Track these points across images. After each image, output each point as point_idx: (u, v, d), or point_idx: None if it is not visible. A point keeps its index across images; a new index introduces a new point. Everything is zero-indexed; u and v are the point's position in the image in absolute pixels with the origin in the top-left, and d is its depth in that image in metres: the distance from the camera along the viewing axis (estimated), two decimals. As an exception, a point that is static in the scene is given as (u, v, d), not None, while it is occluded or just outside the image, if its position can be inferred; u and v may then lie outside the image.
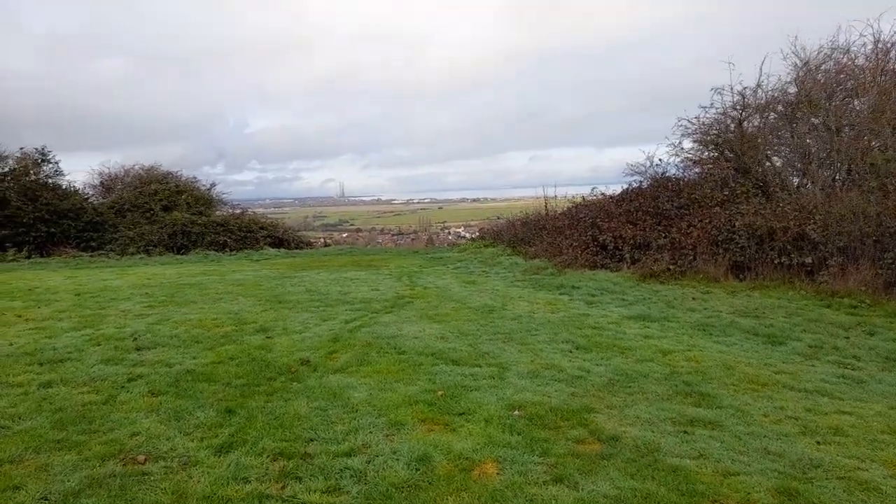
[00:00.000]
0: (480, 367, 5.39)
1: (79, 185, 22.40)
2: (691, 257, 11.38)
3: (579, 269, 12.47)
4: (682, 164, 14.93)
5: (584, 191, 18.93)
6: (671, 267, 11.29)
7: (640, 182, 15.01)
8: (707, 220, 11.86)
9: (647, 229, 12.85)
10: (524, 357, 5.74)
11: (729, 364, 5.56)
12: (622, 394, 4.69)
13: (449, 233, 61.14)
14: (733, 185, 12.79)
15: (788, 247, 10.43)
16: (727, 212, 11.77)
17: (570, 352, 5.98)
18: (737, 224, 11.08)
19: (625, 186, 15.61)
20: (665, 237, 12.12)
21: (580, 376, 5.10)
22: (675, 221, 12.59)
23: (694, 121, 15.28)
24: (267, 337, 6.60)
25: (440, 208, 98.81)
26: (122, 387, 4.76)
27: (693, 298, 9.47)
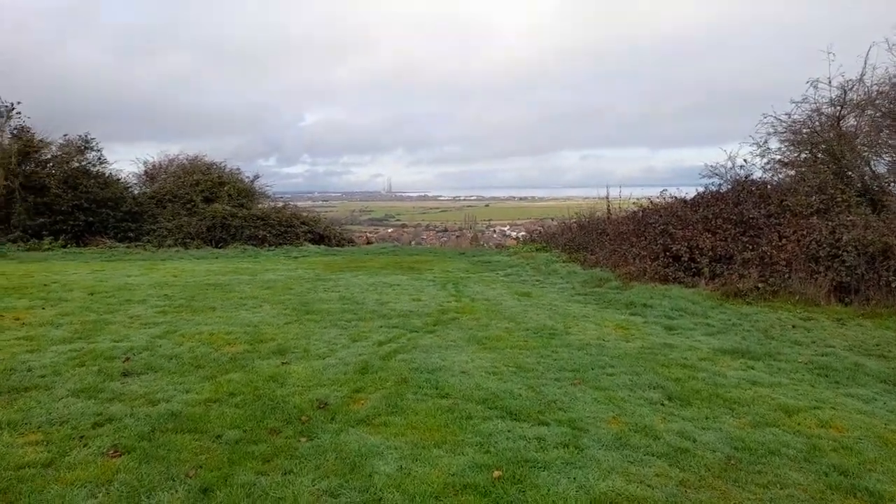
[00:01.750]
0: (548, 424, 4.08)
1: (124, 175, 22.03)
2: (785, 275, 9.75)
3: (648, 283, 10.98)
4: (768, 167, 13.22)
5: (638, 192, 17.31)
6: (760, 285, 9.70)
7: (719, 185, 13.36)
8: (804, 233, 10.19)
9: (729, 240, 11.26)
10: (603, 410, 4.40)
11: (883, 436, 4.10)
12: (752, 486, 3.32)
13: (494, 231, 59.95)
14: (832, 191, 11.05)
15: (908, 267, 8.73)
16: (828, 223, 10.08)
17: (662, 404, 4.61)
18: (844, 238, 9.40)
19: (700, 189, 13.99)
20: (752, 250, 10.51)
21: (685, 449, 3.73)
22: (763, 232, 10.95)
23: (783, 117, 13.56)
24: (283, 362, 5.45)
25: (486, 206, 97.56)
26: (82, 437, 3.66)
27: (793, 327, 7.90)
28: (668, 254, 11.70)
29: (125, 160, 43.48)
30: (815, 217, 10.77)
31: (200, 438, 3.69)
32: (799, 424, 4.24)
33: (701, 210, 12.52)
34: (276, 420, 4.03)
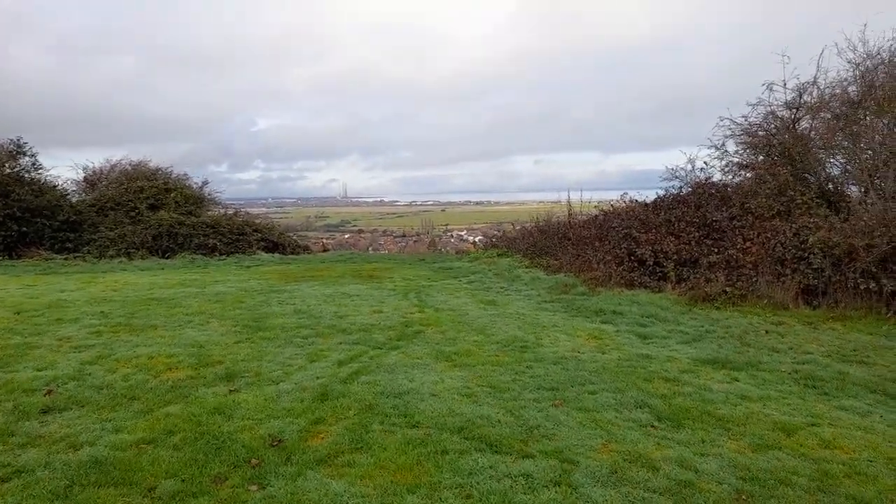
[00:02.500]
0: (533, 456, 3.65)
1: (62, 182, 20.70)
2: (752, 278, 9.62)
3: (614, 288, 10.73)
4: (727, 169, 13.20)
5: (595, 196, 17.18)
6: (728, 289, 9.54)
7: (680, 188, 13.27)
8: (768, 235, 10.11)
9: (693, 243, 11.12)
10: (590, 436, 4.00)
11: (893, 457, 3.81)
12: (769, 524, 2.95)
13: (452, 236, 59.75)
14: (793, 193, 11.03)
15: (874, 269, 8.69)
16: (791, 225, 10.02)
17: (653, 426, 4.24)
18: (809, 240, 9.32)
19: (660, 193, 13.90)
20: (717, 253, 10.38)
21: (688, 482, 3.35)
22: (727, 235, 10.85)
23: (740, 120, 13.59)
24: (231, 389, 4.86)
25: (443, 210, 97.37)
26: (-21, 499, 3.03)
27: (766, 332, 7.72)
28: (632, 258, 11.50)
29: (64, 166, 41.05)
30: (777, 219, 10.73)
31: (129, 493, 3.11)
32: (801, 446, 3.92)
33: (663, 213, 12.39)
34: (222, 464, 3.47)
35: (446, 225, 69.59)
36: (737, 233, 10.66)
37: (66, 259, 17.06)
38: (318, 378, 5.20)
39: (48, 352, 6.02)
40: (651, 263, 11.17)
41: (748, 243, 10.21)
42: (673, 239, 11.34)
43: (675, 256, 10.97)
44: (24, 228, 17.57)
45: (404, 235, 61.21)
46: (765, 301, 9.27)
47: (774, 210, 10.98)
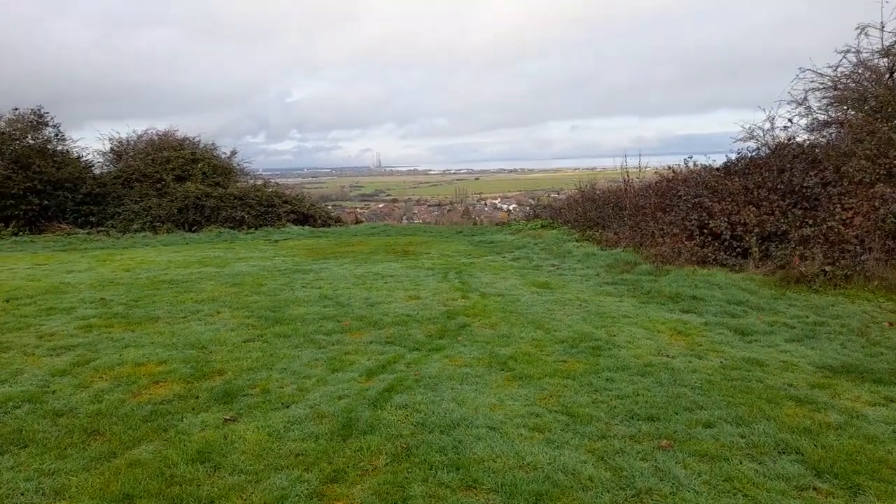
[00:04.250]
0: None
1: (89, 153, 19.98)
2: (858, 256, 8.09)
3: (684, 266, 9.30)
4: (813, 127, 11.48)
5: (631, 161, 15.50)
6: (827, 268, 8.04)
7: (756, 150, 11.61)
8: (875, 203, 8.51)
9: (777, 213, 9.57)
10: (729, 508, 2.73)
11: None
12: None
13: (486, 204, 58.47)
14: (898, 154, 9.32)
15: None
16: (905, 191, 8.39)
17: (815, 489, 2.93)
18: (934, 210, 7.73)
19: (730, 156, 12.25)
20: (812, 225, 8.83)
21: None
22: (820, 203, 9.27)
23: (826, 70, 11.78)
24: (226, 418, 3.72)
25: (477, 179, 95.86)
26: None
27: (890, 325, 6.26)
28: (704, 231, 10.01)
29: (91, 138, 40.65)
30: (880, 184, 9.09)
31: None
32: None
33: (737, 179, 10.81)
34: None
35: (480, 193, 68.39)
36: (833, 201, 9.07)
37: (88, 233, 16.35)
38: (340, 398, 4.03)
39: (19, 355, 4.99)
40: (727, 237, 9.67)
41: (850, 213, 8.64)
42: (753, 209, 9.80)
43: (757, 229, 9.45)
44: (46, 202, 16.88)
45: (439, 205, 60.15)
46: (875, 283, 7.75)
47: (876, 174, 9.33)
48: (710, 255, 9.59)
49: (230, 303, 7.11)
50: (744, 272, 8.91)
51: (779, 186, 10.00)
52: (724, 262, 9.39)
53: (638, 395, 4.13)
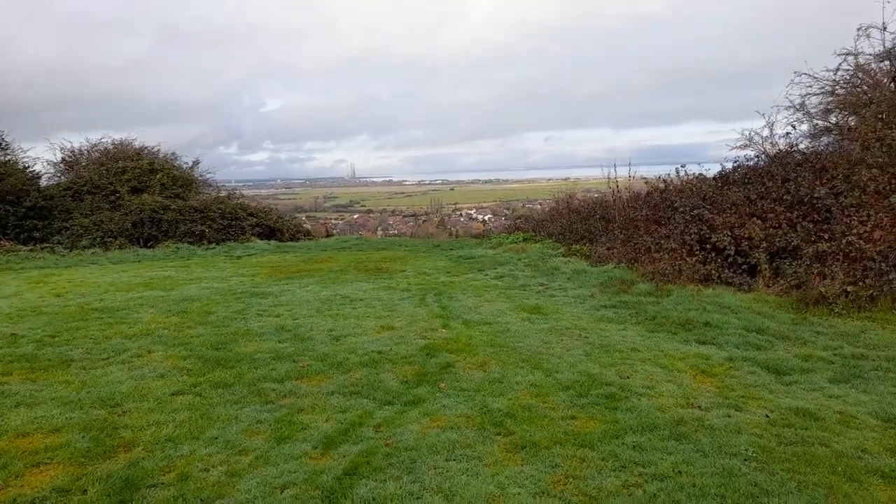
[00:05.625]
0: None
1: (39, 164, 18.55)
2: (885, 274, 7.26)
3: (687, 286, 8.41)
4: (815, 133, 10.77)
5: (598, 172, 14.85)
6: (849, 289, 7.20)
7: (756, 159, 10.84)
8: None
9: (785, 226, 8.76)
10: None
11: None
12: None
13: (461, 215, 57.84)
14: (914, 161, 8.60)
15: None
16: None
17: None
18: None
19: (725, 165, 11.49)
20: (828, 240, 8.01)
21: None
22: (833, 215, 8.47)
23: (824, 74, 11.12)
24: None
25: (452, 189, 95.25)
26: None
27: (941, 357, 5.40)
28: (706, 246, 9.17)
29: (42, 147, 38.77)
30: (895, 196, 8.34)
31: None
32: None
33: (738, 190, 10.01)
34: None
35: (455, 204, 67.86)
36: (848, 213, 8.27)
37: (31, 250, 14.91)
38: (283, 487, 2.96)
39: None
40: (731, 253, 8.82)
41: (868, 226, 7.84)
42: (758, 221, 8.99)
43: (765, 244, 8.62)
44: (-16, 217, 15.43)
45: (414, 215, 59.33)
46: (904, 305, 6.94)
47: (890, 184, 8.59)
48: (713, 272, 8.73)
49: (167, 338, 5.97)
50: (754, 292, 8.06)
51: (784, 197, 9.21)
52: (730, 281, 8.53)
53: (680, 472, 3.15)
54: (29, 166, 17.95)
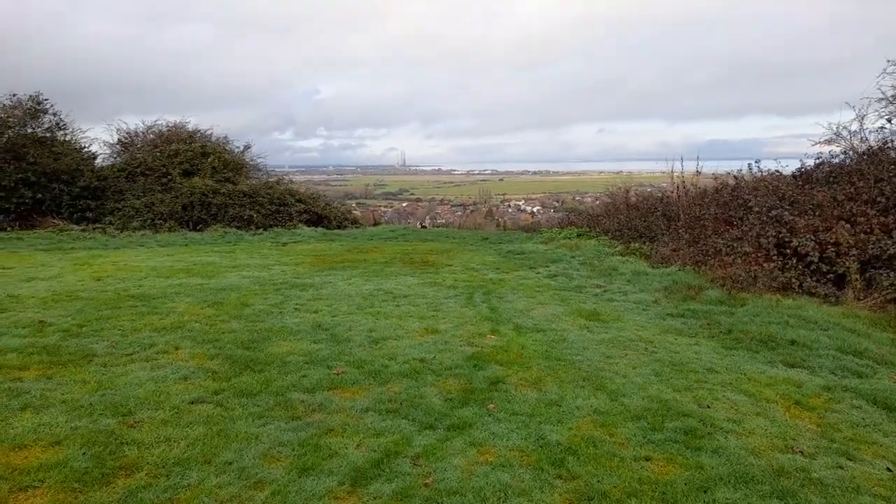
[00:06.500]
0: None
1: (96, 145, 18.82)
2: None
3: (763, 294, 7.58)
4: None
5: (653, 167, 14.05)
6: (960, 307, 6.27)
7: (843, 156, 9.80)
8: None
9: (878, 232, 7.81)
10: None
11: None
12: None
13: (509, 206, 56.98)
14: None
15: None
16: None
17: None
18: None
19: (806, 162, 10.47)
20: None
21: None
22: (939, 222, 7.48)
23: (925, 63, 9.93)
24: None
25: (501, 180, 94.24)
26: None
27: None
28: (785, 251, 8.29)
29: (100, 128, 39.61)
30: None
31: None
32: None
33: (823, 190, 9.03)
34: None
35: (503, 194, 67.01)
36: (957, 220, 7.28)
37: (83, 230, 15.09)
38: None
39: None
40: (815, 260, 7.93)
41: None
42: (846, 225, 8.05)
43: (855, 251, 7.70)
44: (40, 195, 15.65)
45: (462, 205, 58.80)
46: None
47: None
48: (793, 280, 7.86)
49: (198, 333, 5.59)
50: (841, 305, 7.18)
51: (878, 199, 8.23)
52: (813, 291, 7.66)
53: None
54: (85, 147, 18.18)
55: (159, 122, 20.06)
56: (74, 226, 15.40)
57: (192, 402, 3.90)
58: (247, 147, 20.62)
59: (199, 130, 20.30)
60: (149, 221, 16.05)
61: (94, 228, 15.36)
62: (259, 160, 20.90)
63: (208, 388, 4.18)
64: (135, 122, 21.39)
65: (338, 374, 4.54)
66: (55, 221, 15.36)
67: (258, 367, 4.66)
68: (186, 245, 13.26)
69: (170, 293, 7.46)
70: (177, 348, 5.10)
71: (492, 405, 4.01)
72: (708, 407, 4.10)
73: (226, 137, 20.34)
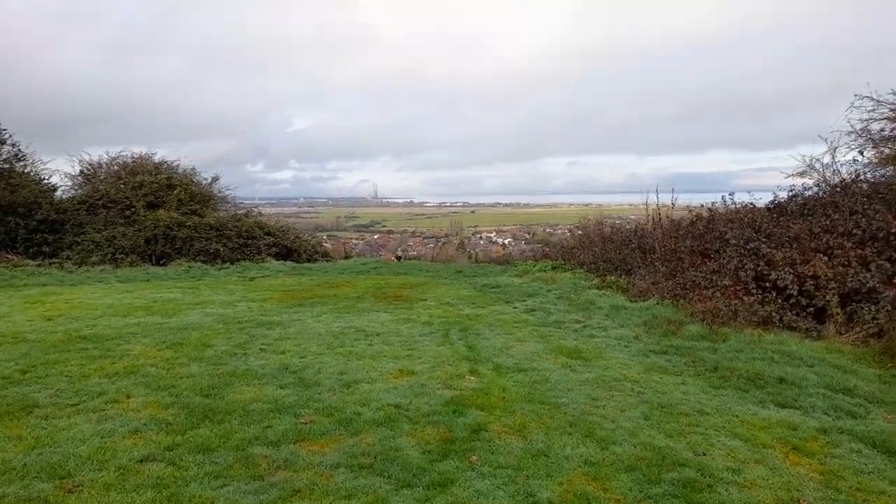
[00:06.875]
0: None
1: (57, 177, 18.16)
2: None
3: (744, 329, 7.43)
4: (881, 161, 9.76)
5: (622, 199, 14.23)
6: (944, 341, 6.18)
7: (817, 190, 9.84)
8: None
9: (856, 265, 7.77)
10: None
11: None
12: None
13: (481, 237, 57.09)
14: None
15: None
16: None
17: None
18: None
19: (778, 194, 10.50)
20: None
21: None
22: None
23: (890, 97, 10.15)
24: None
25: (472, 212, 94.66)
26: None
27: None
28: (763, 284, 8.20)
29: (62, 160, 38.49)
30: None
31: None
32: None
33: (795, 222, 9.02)
34: None
35: (475, 226, 67.20)
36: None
37: (39, 265, 14.40)
38: None
39: None
40: (794, 293, 7.84)
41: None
42: (823, 258, 8.01)
43: (834, 284, 7.63)
44: (-7, 229, 14.96)
45: (434, 237, 58.69)
46: None
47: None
48: (773, 314, 7.74)
49: (153, 378, 5.17)
50: (824, 340, 7.06)
51: (854, 231, 8.22)
52: (794, 325, 7.54)
53: None
54: (44, 178, 17.55)
55: (124, 154, 19.55)
56: (30, 261, 14.71)
57: (142, 461, 3.50)
58: (215, 179, 20.20)
59: (166, 162, 19.83)
60: (109, 256, 15.43)
61: (50, 263, 14.69)
62: (227, 192, 20.46)
63: (160, 442, 3.77)
64: (99, 153, 20.76)
65: (306, 424, 4.17)
66: (9, 256, 14.65)
67: (218, 416, 4.26)
68: (148, 280, 12.72)
69: (125, 333, 6.98)
70: (128, 396, 4.67)
71: (474, 457, 3.69)
72: (704, 454, 3.84)
73: (193, 169, 19.89)
